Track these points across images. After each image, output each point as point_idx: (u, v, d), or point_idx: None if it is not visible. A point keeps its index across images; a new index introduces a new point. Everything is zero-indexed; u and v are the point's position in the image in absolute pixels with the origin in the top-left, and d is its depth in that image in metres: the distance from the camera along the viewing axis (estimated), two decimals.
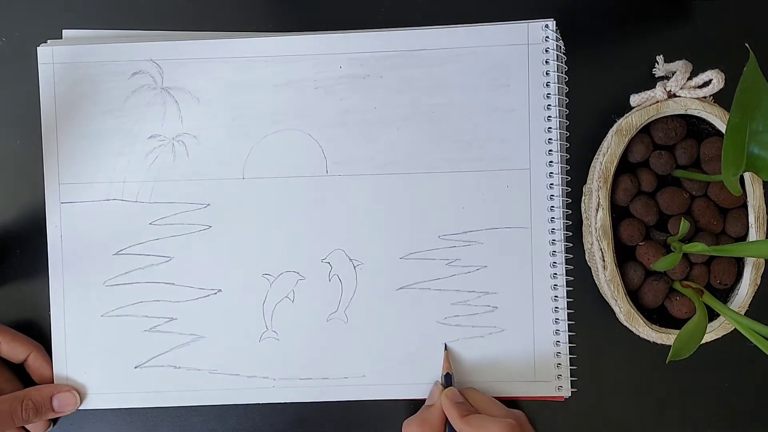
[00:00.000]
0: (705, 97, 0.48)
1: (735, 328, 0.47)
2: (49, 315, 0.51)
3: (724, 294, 0.50)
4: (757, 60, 0.41)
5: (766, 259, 0.49)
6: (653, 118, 0.49)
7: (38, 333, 0.51)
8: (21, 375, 0.50)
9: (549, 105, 0.51)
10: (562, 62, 0.51)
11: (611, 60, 0.52)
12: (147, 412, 0.51)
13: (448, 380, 0.49)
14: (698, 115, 0.49)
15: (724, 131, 0.48)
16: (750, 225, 0.48)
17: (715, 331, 0.49)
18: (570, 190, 0.51)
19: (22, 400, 0.48)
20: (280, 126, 0.51)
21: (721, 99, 0.48)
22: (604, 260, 0.49)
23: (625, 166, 0.50)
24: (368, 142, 0.51)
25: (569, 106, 0.51)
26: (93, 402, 0.51)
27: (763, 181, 0.48)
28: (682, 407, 0.52)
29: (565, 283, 0.51)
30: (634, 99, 0.50)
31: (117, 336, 0.50)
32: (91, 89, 0.50)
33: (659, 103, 0.49)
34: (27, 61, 0.51)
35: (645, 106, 0.49)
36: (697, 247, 0.46)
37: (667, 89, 0.48)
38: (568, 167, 0.51)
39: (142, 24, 0.52)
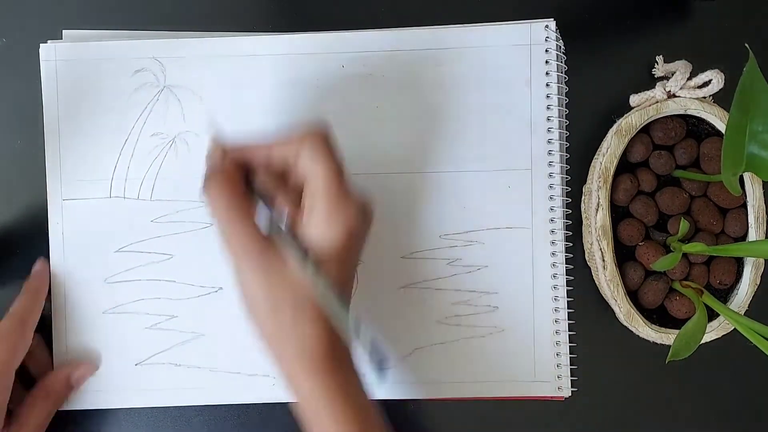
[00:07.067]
0: (705, 97, 0.49)
1: (735, 328, 0.47)
2: (50, 312, 0.50)
3: (724, 294, 0.50)
4: (756, 60, 0.41)
5: (765, 259, 0.49)
6: (653, 119, 0.49)
7: (39, 330, 0.50)
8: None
9: (549, 105, 0.51)
10: (562, 62, 0.51)
11: (611, 60, 0.52)
12: (148, 412, 0.51)
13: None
14: (698, 115, 0.49)
15: (723, 131, 0.48)
16: (749, 225, 0.49)
17: (714, 331, 0.49)
18: (570, 190, 0.51)
19: (46, 395, 0.48)
20: (282, 124, 0.51)
21: (721, 99, 0.49)
22: (603, 260, 0.49)
23: (624, 166, 0.50)
24: (370, 141, 0.51)
25: (569, 106, 0.51)
26: (94, 402, 0.50)
27: (762, 181, 0.48)
28: (681, 407, 0.52)
29: (565, 283, 0.51)
30: (634, 99, 0.50)
31: (118, 333, 0.50)
32: (93, 86, 0.50)
33: (659, 104, 0.49)
34: (27, 61, 0.51)
35: (645, 106, 0.49)
36: (697, 247, 0.46)
37: (667, 89, 0.49)
38: (568, 167, 0.51)
39: (142, 24, 0.52)
